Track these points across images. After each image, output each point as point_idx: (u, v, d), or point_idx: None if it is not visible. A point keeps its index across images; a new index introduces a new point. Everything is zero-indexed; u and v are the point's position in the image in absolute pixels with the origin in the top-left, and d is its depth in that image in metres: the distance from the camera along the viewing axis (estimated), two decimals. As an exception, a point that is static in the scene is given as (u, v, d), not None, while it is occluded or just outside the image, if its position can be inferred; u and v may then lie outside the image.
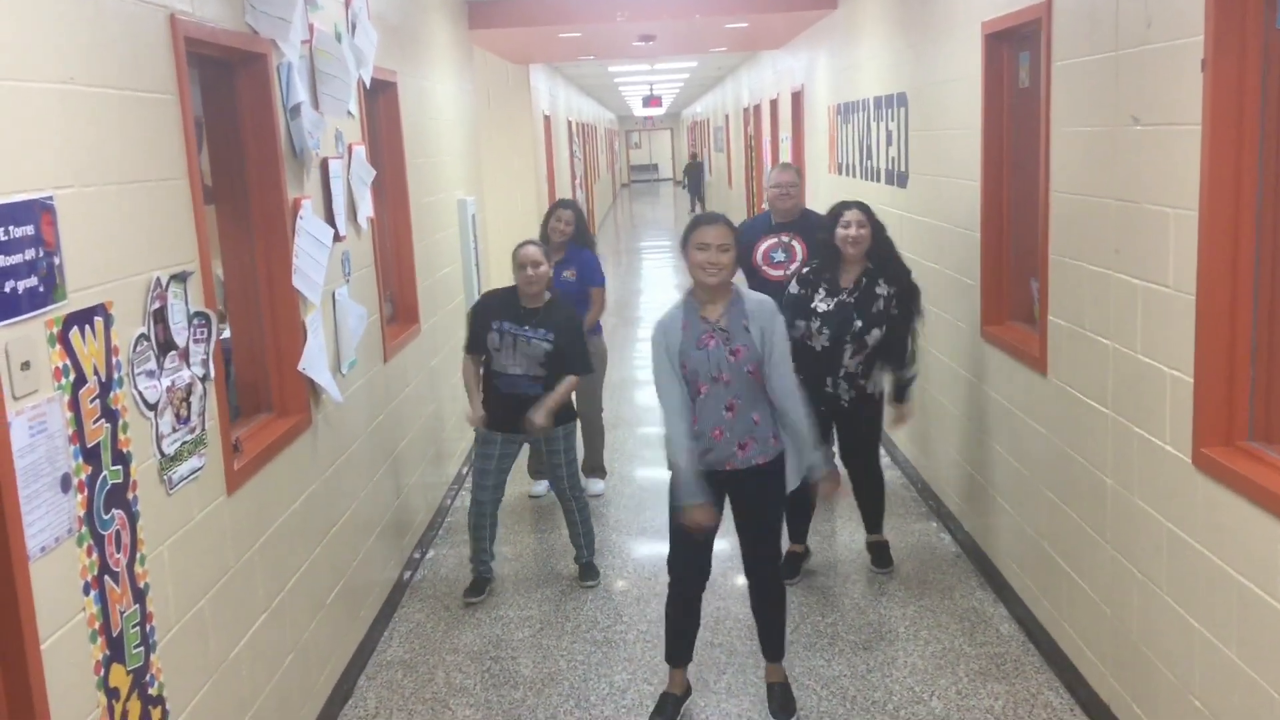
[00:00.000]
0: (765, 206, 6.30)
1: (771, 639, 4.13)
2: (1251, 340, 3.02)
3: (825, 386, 4.90)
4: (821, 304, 4.87)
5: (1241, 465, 2.94)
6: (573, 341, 5.08)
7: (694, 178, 31.64)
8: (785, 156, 12.65)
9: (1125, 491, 3.61)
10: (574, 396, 6.30)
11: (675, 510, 3.93)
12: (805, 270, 5.03)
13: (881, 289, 4.87)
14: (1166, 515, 3.34)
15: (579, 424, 6.49)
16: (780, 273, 5.82)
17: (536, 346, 5.00)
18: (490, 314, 5.09)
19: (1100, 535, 3.83)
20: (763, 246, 5.94)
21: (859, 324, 4.83)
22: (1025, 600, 4.68)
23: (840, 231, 4.85)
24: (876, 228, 4.89)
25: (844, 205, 4.98)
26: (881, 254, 4.92)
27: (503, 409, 5.08)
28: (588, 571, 5.40)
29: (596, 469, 6.80)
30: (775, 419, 3.91)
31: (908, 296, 4.92)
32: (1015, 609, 4.76)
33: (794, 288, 4.98)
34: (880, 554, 5.36)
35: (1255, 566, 2.87)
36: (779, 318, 3.87)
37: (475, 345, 5.18)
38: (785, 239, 5.93)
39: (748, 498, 3.98)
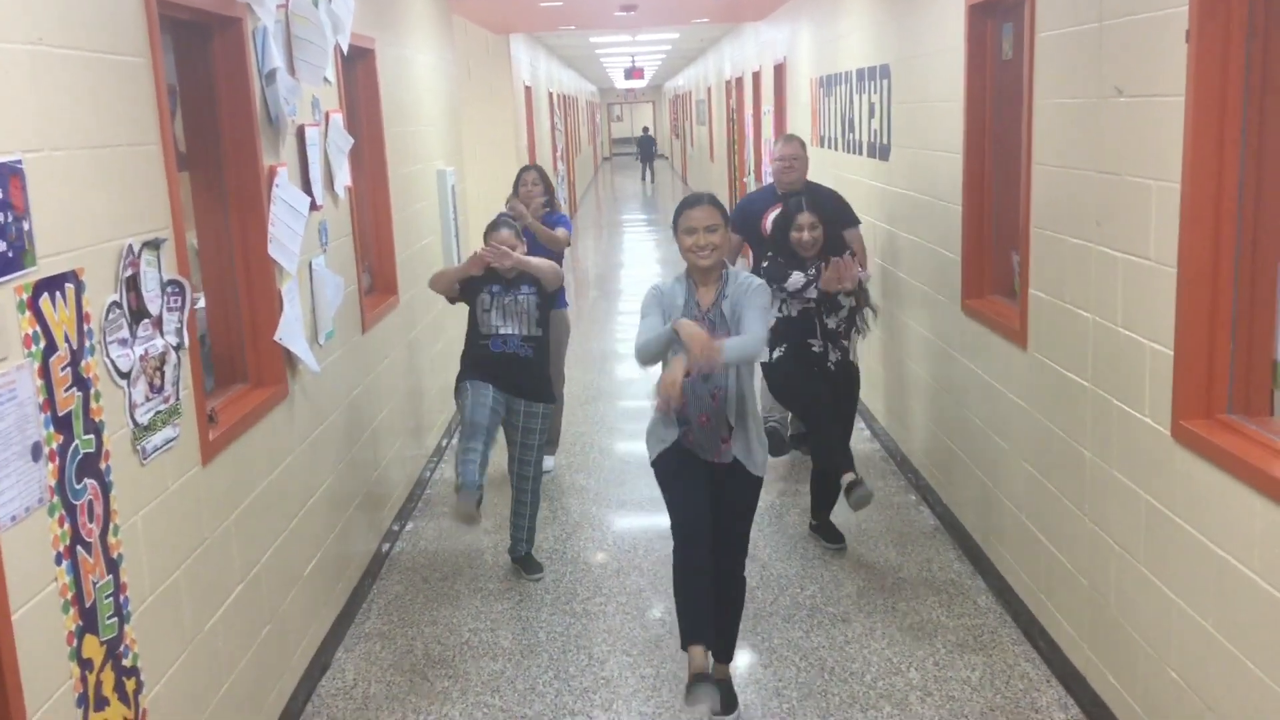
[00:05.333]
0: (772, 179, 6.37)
1: (722, 640, 3.94)
2: (1232, 313, 3.02)
3: (812, 347, 5.02)
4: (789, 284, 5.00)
5: (1221, 438, 2.95)
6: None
7: (645, 149, 35.33)
8: (767, 130, 12.60)
9: (1104, 464, 3.62)
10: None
11: (662, 472, 3.89)
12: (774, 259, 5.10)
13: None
14: (1145, 488, 3.34)
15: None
16: None
17: (526, 300, 4.96)
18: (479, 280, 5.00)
19: (1079, 508, 3.85)
20: (771, 215, 5.93)
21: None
22: (1003, 572, 4.70)
23: (794, 235, 5.03)
24: (827, 225, 5.09)
25: (796, 207, 5.10)
26: (832, 246, 5.10)
27: (494, 367, 4.95)
28: (530, 564, 5.17)
29: (550, 442, 6.54)
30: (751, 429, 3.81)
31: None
32: (993, 581, 4.78)
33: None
34: (849, 490, 4.81)
35: (1233, 539, 2.88)
36: (756, 291, 3.74)
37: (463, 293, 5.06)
38: None
39: (726, 495, 3.88)
